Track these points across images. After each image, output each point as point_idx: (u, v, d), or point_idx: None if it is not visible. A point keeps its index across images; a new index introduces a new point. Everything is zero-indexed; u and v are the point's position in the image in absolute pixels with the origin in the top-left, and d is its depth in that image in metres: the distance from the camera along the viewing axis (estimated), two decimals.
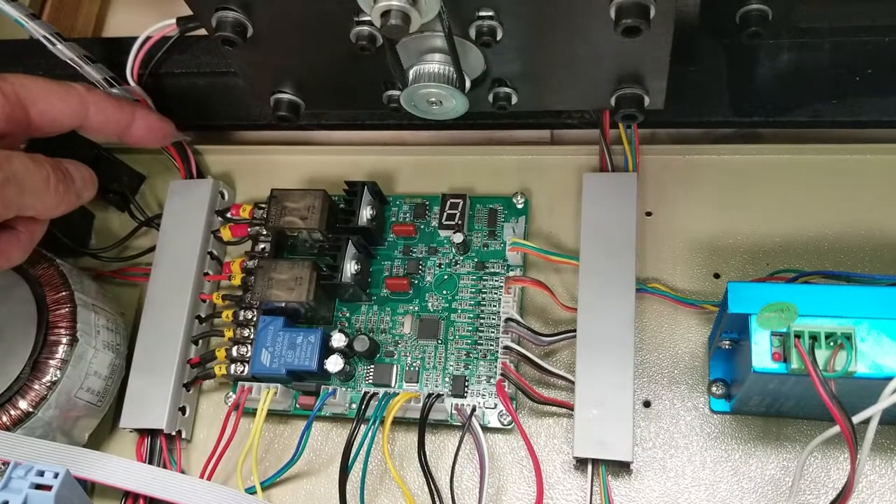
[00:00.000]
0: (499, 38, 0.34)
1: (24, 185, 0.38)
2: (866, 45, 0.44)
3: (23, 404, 0.42)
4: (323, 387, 0.46)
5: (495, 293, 0.47)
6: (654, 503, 0.42)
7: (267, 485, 0.45)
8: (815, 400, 0.34)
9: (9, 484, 0.32)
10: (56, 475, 0.32)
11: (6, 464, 0.33)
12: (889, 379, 0.33)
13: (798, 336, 0.34)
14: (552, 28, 0.35)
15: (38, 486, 0.32)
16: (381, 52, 0.35)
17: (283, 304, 0.45)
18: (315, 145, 0.54)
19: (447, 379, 0.45)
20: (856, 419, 0.33)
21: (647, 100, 0.38)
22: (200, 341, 0.48)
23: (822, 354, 0.34)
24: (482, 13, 0.34)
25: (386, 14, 0.31)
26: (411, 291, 0.48)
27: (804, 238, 0.46)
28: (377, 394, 0.44)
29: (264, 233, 0.49)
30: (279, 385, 0.45)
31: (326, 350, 0.45)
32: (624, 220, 0.45)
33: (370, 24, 0.34)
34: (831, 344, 0.34)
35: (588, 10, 0.33)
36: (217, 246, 0.50)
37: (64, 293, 0.45)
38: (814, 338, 0.34)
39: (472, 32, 0.34)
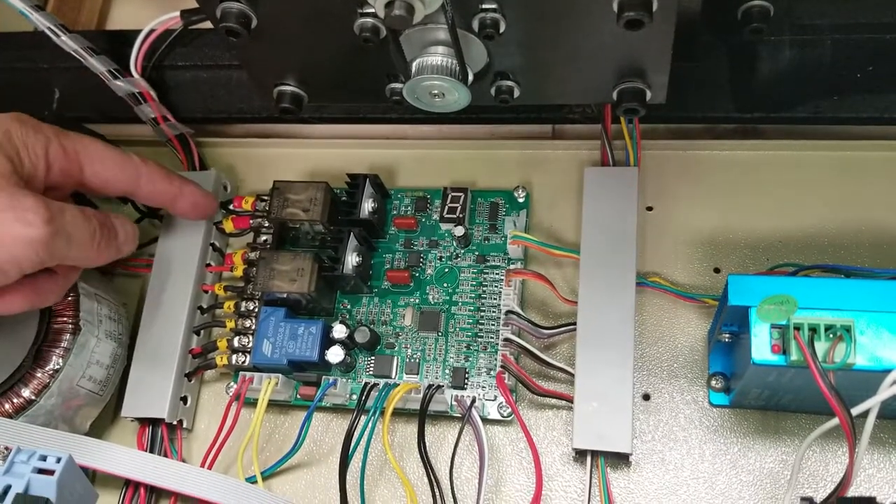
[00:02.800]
0: (501, 30, 0.34)
1: (72, 239, 0.39)
2: (867, 42, 0.44)
3: (25, 392, 0.42)
4: (324, 377, 0.46)
5: (496, 286, 0.47)
6: (653, 495, 0.43)
7: (267, 474, 0.45)
8: (814, 393, 0.34)
9: (11, 468, 0.32)
10: (59, 460, 0.32)
11: (9, 449, 0.33)
12: (888, 371, 0.33)
13: (798, 328, 0.35)
14: (555, 21, 0.35)
15: (41, 471, 0.32)
16: (385, 44, 0.35)
17: (285, 295, 0.46)
18: (317, 139, 0.54)
19: (447, 371, 0.46)
20: (855, 411, 0.33)
21: (648, 94, 0.38)
22: (202, 331, 0.49)
23: (821, 346, 0.34)
24: (485, 5, 0.34)
25: (390, 4, 0.32)
26: (412, 284, 0.48)
27: (804, 233, 0.46)
28: (377, 385, 0.44)
29: (266, 224, 0.49)
30: (280, 375, 0.45)
31: (327, 341, 0.45)
32: (625, 215, 0.45)
33: (374, 15, 0.34)
34: (831, 336, 0.35)
35: (591, 3, 0.33)
36: (219, 237, 0.51)
37: None
38: (813, 330, 0.35)
39: (475, 25, 0.34)
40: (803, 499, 0.36)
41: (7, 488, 0.32)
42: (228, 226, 0.50)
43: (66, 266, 0.41)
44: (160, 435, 0.46)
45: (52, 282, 0.41)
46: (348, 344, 0.46)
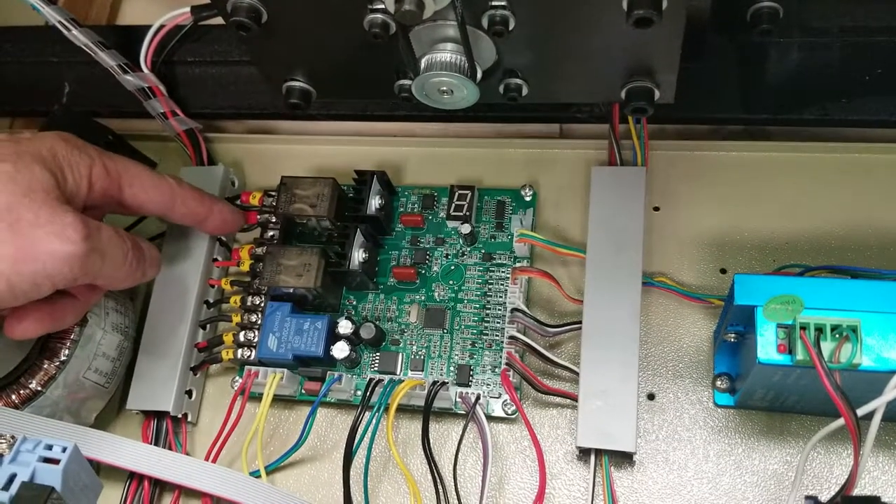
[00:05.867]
0: (511, 28, 0.35)
1: (106, 257, 0.39)
2: (876, 45, 0.44)
3: (31, 383, 0.43)
4: (329, 373, 0.46)
5: (502, 284, 0.47)
6: (657, 495, 0.43)
7: (271, 469, 0.45)
8: (819, 394, 0.34)
9: (17, 457, 0.32)
10: (64, 449, 0.32)
11: (15, 438, 0.33)
12: (894, 372, 0.33)
13: (804, 328, 0.35)
14: (564, 18, 0.35)
15: (47, 460, 0.32)
16: (394, 40, 0.36)
17: (291, 291, 0.46)
18: (325, 135, 0.54)
19: (452, 368, 0.46)
20: (860, 412, 0.33)
21: (657, 93, 0.38)
22: (208, 326, 0.49)
23: (827, 346, 0.34)
24: (495, 2, 0.34)
25: (400, 0, 0.32)
26: (418, 281, 0.48)
27: (811, 235, 0.46)
28: (382, 381, 0.44)
29: (273, 220, 0.49)
30: (285, 370, 0.45)
31: (333, 337, 0.45)
32: (631, 214, 0.45)
33: (384, 11, 0.34)
34: (837, 336, 0.35)
35: (601, 1, 0.33)
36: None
37: None
38: (819, 330, 0.35)
39: (485, 22, 0.35)
40: (808, 497, 0.35)
41: (12, 476, 0.32)
42: None
43: (88, 289, 0.41)
44: (165, 428, 0.46)
45: (71, 305, 0.41)
46: (353, 340, 0.46)
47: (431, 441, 0.43)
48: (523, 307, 0.45)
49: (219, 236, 0.50)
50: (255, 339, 0.46)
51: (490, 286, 0.47)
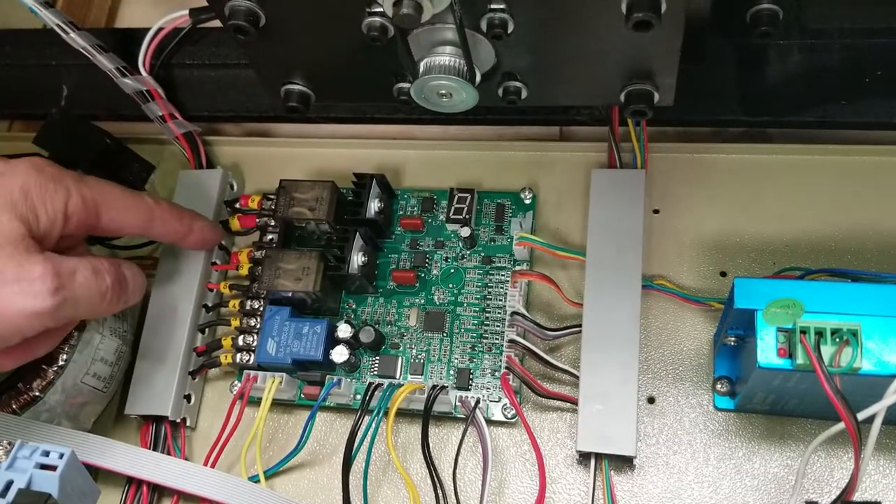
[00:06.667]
0: (510, 30, 0.34)
1: (80, 303, 0.38)
2: (876, 47, 0.44)
3: (30, 388, 0.42)
4: (328, 377, 0.46)
5: (501, 287, 0.47)
6: (657, 499, 0.42)
7: (270, 474, 0.45)
8: (820, 398, 0.34)
9: (14, 464, 0.32)
10: (61, 456, 0.32)
11: (11, 444, 0.33)
12: (894, 376, 0.33)
13: (804, 332, 0.34)
14: (563, 21, 0.35)
15: (44, 467, 0.32)
16: (393, 43, 0.35)
17: (290, 295, 0.46)
18: (324, 138, 0.54)
19: (452, 372, 0.45)
20: (861, 416, 0.33)
21: (656, 96, 0.37)
22: (207, 330, 0.49)
23: (827, 350, 0.34)
24: (494, 5, 0.34)
25: (398, 3, 0.32)
26: (417, 284, 0.48)
27: (811, 238, 0.46)
28: (382, 385, 0.44)
29: (272, 223, 0.49)
30: (284, 374, 0.45)
31: (332, 341, 0.45)
32: (631, 217, 0.45)
33: (382, 14, 0.34)
34: (837, 340, 0.34)
35: (600, 4, 0.33)
36: (225, 236, 0.51)
37: None
38: (819, 334, 0.34)
39: (484, 25, 0.34)
40: (808, 502, 0.35)
41: (9, 483, 0.32)
42: (234, 224, 0.50)
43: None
44: (163, 433, 0.46)
45: (45, 336, 0.40)
46: (353, 344, 0.46)
47: (431, 445, 0.43)
48: (523, 310, 0.45)
49: None
50: (254, 344, 0.46)
51: (490, 289, 0.47)
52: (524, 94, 0.39)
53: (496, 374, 0.45)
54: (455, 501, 0.43)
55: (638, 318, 0.42)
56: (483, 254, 0.48)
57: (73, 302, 0.38)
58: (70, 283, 0.37)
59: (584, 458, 0.43)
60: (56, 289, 0.36)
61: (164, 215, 0.44)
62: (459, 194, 0.49)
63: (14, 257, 0.36)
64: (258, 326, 0.46)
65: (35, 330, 0.37)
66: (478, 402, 0.44)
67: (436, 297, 0.48)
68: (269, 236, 0.49)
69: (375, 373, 0.46)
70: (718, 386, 0.43)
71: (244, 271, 0.48)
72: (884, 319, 0.35)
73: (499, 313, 0.46)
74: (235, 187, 0.53)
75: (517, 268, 0.47)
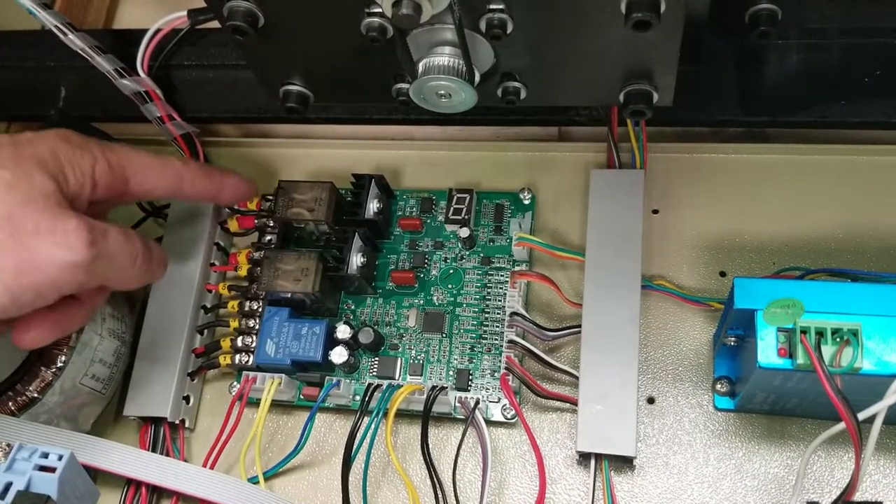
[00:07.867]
0: (509, 31, 0.34)
1: (114, 261, 0.38)
2: (875, 47, 0.44)
3: (28, 390, 0.42)
4: (327, 378, 0.46)
5: (501, 288, 0.47)
6: (657, 499, 0.42)
7: (270, 475, 0.45)
8: (820, 398, 0.34)
9: (13, 465, 0.32)
10: (60, 457, 0.32)
11: (10, 446, 0.33)
12: (895, 376, 0.33)
13: (804, 332, 0.34)
14: (562, 22, 0.35)
15: (43, 469, 0.32)
16: (392, 44, 0.35)
17: (289, 295, 0.46)
18: (323, 139, 0.54)
19: (451, 372, 0.45)
20: (861, 416, 0.33)
21: (655, 96, 0.37)
22: (206, 331, 0.49)
23: (827, 350, 0.34)
24: (493, 6, 0.34)
25: (397, 3, 0.31)
26: (417, 285, 0.48)
27: (810, 237, 0.46)
28: (381, 386, 0.44)
29: (271, 224, 0.49)
30: (283, 375, 0.45)
31: (331, 341, 0.45)
32: (630, 217, 0.45)
33: (381, 15, 0.34)
34: (837, 340, 0.34)
35: (599, 4, 0.33)
36: (224, 237, 0.51)
37: None
38: (820, 334, 0.34)
39: (483, 25, 0.34)
40: (809, 502, 0.35)
41: (8, 485, 0.32)
42: (233, 225, 0.50)
43: (94, 290, 0.40)
44: (162, 434, 0.46)
45: (77, 308, 0.40)
46: (352, 344, 0.46)
47: (430, 446, 0.43)
48: (522, 311, 0.45)
49: (216, 241, 0.50)
50: (253, 345, 0.46)
51: (489, 290, 0.47)
52: (523, 95, 0.39)
53: (496, 374, 0.45)
54: (455, 502, 0.43)
55: (637, 318, 0.42)
56: (482, 254, 0.48)
57: (108, 259, 0.38)
58: (103, 240, 0.37)
59: (583, 458, 0.43)
60: (91, 242, 0.36)
61: (195, 175, 0.44)
62: (458, 195, 0.49)
63: (47, 211, 0.36)
64: (257, 327, 0.46)
65: (71, 286, 0.37)
66: (477, 402, 0.44)
67: (435, 298, 0.47)
68: (268, 237, 0.49)
69: (375, 374, 0.46)
70: (718, 386, 0.43)
71: (243, 272, 0.48)
72: (884, 319, 0.35)
73: (498, 314, 0.46)
74: None
75: (516, 268, 0.47)
